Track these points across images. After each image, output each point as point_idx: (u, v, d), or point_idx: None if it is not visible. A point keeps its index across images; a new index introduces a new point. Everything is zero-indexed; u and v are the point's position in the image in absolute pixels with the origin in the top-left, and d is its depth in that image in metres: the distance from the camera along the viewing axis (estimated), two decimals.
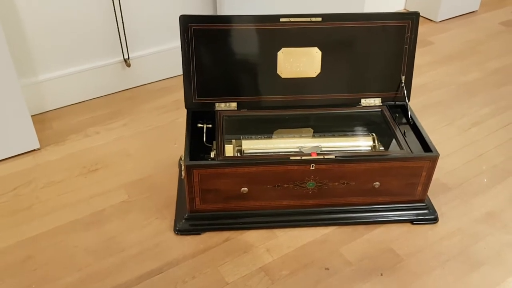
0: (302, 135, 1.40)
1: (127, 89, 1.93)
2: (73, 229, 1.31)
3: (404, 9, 2.65)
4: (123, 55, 1.86)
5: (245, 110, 1.37)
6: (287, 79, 1.36)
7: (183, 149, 1.24)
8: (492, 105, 1.87)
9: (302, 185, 1.26)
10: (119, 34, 1.80)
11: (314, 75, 1.36)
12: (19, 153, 1.57)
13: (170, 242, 1.28)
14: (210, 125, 1.34)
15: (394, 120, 1.37)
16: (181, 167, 1.30)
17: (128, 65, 1.87)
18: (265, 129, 1.41)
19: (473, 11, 2.65)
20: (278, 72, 1.35)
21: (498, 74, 2.09)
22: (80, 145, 1.63)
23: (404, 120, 1.40)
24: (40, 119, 1.74)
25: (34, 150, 1.59)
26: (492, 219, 1.37)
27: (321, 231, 1.31)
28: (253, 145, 1.33)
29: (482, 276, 1.21)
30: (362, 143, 1.37)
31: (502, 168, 1.55)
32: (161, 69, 1.97)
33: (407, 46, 1.36)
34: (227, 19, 1.31)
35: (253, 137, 1.37)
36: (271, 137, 1.40)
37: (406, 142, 1.30)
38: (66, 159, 1.57)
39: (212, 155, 1.25)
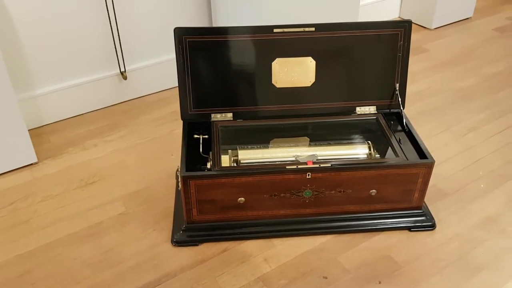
0: (298, 144, 1.41)
1: (124, 102, 1.94)
2: (71, 242, 1.31)
3: (399, 17, 2.67)
4: (120, 68, 1.87)
5: (241, 120, 1.38)
6: (282, 89, 1.37)
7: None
8: (488, 110, 1.88)
9: (298, 194, 1.26)
10: (115, 47, 1.81)
11: (308, 84, 1.37)
12: (17, 167, 1.57)
13: (168, 254, 1.28)
14: (206, 136, 1.34)
15: (389, 127, 1.38)
16: (178, 178, 1.31)
17: (125, 78, 1.88)
18: (261, 138, 1.41)
19: (467, 18, 2.67)
20: (273, 82, 1.36)
21: (493, 79, 2.10)
22: (78, 158, 1.63)
23: (399, 128, 1.41)
24: (37, 133, 1.75)
25: (31, 164, 1.59)
26: (490, 224, 1.37)
27: (318, 239, 1.31)
28: (249, 155, 1.33)
29: (481, 282, 1.21)
30: (358, 151, 1.37)
31: (498, 173, 1.55)
32: (157, 81, 1.98)
33: (400, 54, 1.37)
34: (221, 31, 1.32)
35: (249, 147, 1.37)
36: (267, 147, 1.40)
37: (402, 149, 1.30)
38: (64, 172, 1.57)
39: (208, 165, 1.26)
